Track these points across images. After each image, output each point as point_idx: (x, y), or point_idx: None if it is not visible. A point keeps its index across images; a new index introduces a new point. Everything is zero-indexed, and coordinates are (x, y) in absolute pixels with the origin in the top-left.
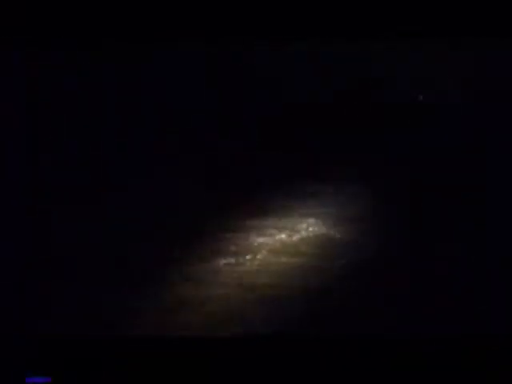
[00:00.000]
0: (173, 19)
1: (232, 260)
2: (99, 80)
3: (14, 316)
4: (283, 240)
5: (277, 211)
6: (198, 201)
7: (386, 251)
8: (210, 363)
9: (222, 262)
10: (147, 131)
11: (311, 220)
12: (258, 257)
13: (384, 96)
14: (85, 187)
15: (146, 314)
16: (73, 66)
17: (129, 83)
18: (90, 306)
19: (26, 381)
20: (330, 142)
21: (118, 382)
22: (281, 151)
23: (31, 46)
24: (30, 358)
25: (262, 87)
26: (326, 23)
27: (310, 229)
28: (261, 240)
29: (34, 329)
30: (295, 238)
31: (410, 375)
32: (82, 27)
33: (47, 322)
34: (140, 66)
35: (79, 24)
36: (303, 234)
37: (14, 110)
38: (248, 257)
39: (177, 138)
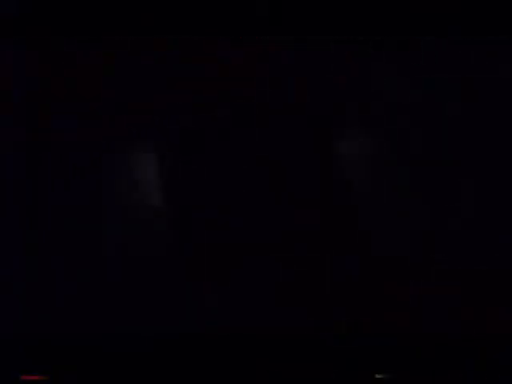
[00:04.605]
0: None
1: None
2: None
3: (13, 314)
4: None
5: None
6: None
7: None
8: (211, 362)
9: None
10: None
11: None
12: None
13: None
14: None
15: None
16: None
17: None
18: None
19: (22, 379)
20: None
21: (117, 382)
22: None
23: (31, 45)
24: (26, 357)
25: None
26: None
27: None
28: None
29: (33, 327)
30: None
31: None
32: (82, 24)
33: (48, 321)
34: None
35: (79, 21)
36: None
37: (13, 110)
38: None
39: None
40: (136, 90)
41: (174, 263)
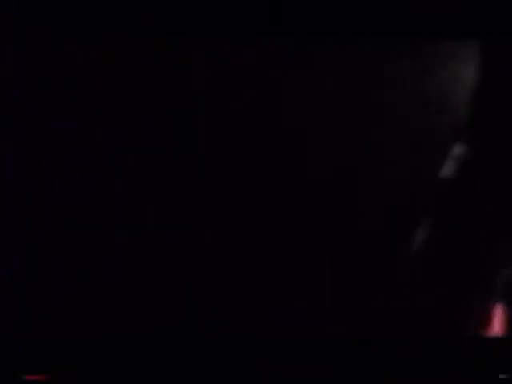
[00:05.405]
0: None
1: None
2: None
3: (13, 314)
4: None
5: None
6: None
7: None
8: (211, 362)
9: None
10: None
11: None
12: None
13: None
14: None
15: None
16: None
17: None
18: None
19: (22, 379)
20: None
21: (117, 382)
22: None
23: (31, 45)
24: (26, 357)
25: None
26: None
27: None
28: None
29: (33, 327)
30: None
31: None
32: (81, 24)
33: (48, 321)
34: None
35: (79, 21)
36: None
37: (13, 110)
38: None
39: None
40: (136, 90)
41: (174, 263)
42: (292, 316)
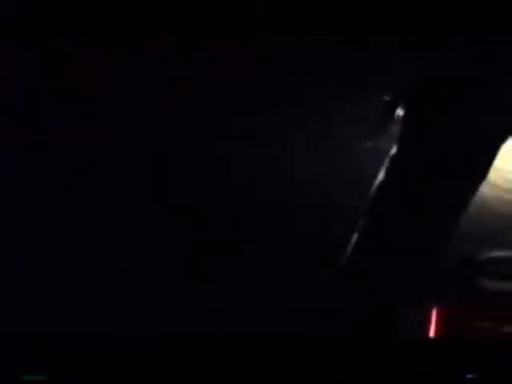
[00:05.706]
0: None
1: None
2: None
3: (13, 314)
4: None
5: None
6: None
7: None
8: (211, 362)
9: None
10: None
11: None
12: None
13: None
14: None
15: None
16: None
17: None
18: None
19: (22, 379)
20: None
21: (117, 382)
22: None
23: (31, 45)
24: (26, 357)
25: None
26: None
27: None
28: None
29: (33, 327)
30: None
31: None
32: (81, 24)
33: (48, 321)
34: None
35: (79, 21)
36: None
37: (13, 110)
38: None
39: None
40: (136, 90)
41: (174, 263)
42: (292, 316)
